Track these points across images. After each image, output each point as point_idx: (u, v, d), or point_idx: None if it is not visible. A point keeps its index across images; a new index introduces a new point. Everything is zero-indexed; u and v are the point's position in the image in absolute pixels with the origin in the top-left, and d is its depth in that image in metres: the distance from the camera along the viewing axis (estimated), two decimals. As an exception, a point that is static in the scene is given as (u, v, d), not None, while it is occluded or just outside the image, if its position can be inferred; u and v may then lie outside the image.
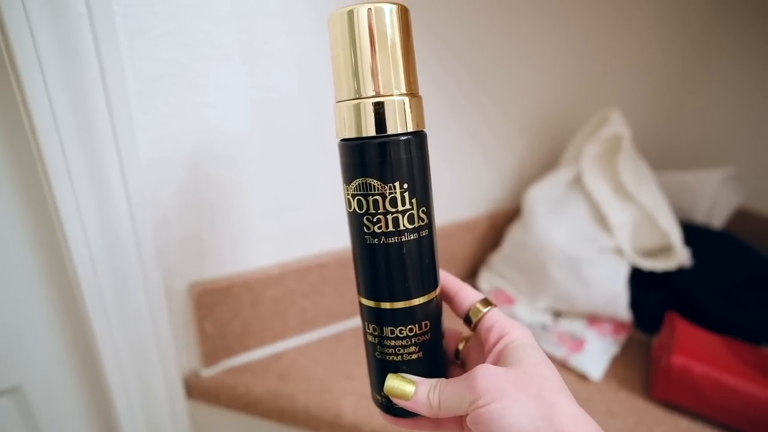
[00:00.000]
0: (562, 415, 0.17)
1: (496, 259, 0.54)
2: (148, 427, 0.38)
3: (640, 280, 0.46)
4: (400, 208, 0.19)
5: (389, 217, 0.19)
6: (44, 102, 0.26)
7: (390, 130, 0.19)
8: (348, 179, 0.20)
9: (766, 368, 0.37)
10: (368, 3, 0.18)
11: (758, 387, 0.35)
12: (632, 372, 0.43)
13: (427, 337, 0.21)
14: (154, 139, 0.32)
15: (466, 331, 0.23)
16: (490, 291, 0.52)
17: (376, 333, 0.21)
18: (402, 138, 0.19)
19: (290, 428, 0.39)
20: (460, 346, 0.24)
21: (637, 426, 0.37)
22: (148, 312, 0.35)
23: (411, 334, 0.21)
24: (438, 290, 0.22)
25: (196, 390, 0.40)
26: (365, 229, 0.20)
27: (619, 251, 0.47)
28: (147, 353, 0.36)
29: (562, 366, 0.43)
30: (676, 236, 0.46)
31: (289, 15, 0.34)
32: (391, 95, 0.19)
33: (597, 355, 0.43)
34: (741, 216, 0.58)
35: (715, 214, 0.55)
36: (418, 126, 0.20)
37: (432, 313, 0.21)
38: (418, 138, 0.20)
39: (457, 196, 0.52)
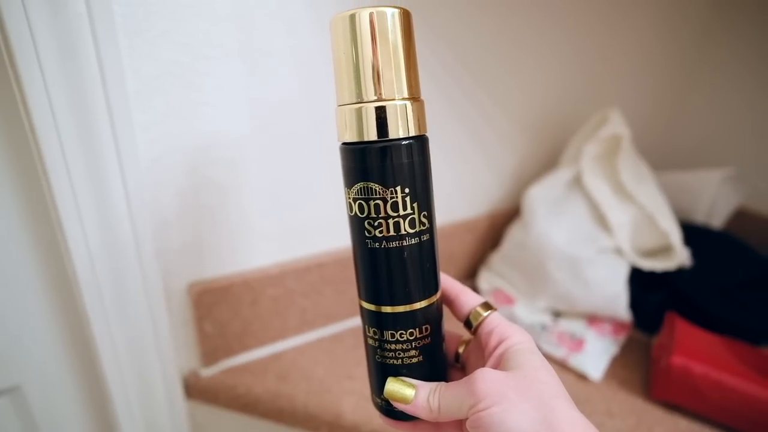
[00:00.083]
0: (562, 419, 0.17)
1: (496, 259, 0.54)
2: (146, 427, 0.38)
3: (639, 280, 0.46)
4: (401, 212, 0.19)
5: (390, 221, 0.19)
6: (44, 101, 0.26)
7: (392, 135, 0.19)
8: (349, 183, 0.20)
9: (765, 368, 0.37)
10: (370, 7, 0.18)
11: (758, 387, 0.35)
12: (632, 372, 0.43)
13: (428, 341, 0.21)
14: (153, 139, 0.32)
15: (466, 334, 0.23)
16: (490, 291, 0.52)
17: (376, 336, 0.21)
18: (404, 142, 0.19)
19: (290, 428, 0.39)
20: (461, 350, 0.24)
21: (636, 426, 0.37)
22: (147, 311, 0.35)
23: (411, 337, 0.21)
24: (439, 294, 0.22)
25: (195, 390, 0.40)
26: (366, 233, 0.20)
27: (618, 251, 0.47)
28: (146, 353, 0.36)
29: (562, 366, 0.43)
30: (675, 236, 0.46)
31: (289, 15, 0.34)
32: (393, 99, 0.19)
33: (597, 355, 0.43)
34: (741, 216, 0.58)
35: (715, 214, 0.55)
36: (419, 130, 0.20)
37: (433, 317, 0.21)
38: (420, 142, 0.20)
39: (456, 196, 0.52)
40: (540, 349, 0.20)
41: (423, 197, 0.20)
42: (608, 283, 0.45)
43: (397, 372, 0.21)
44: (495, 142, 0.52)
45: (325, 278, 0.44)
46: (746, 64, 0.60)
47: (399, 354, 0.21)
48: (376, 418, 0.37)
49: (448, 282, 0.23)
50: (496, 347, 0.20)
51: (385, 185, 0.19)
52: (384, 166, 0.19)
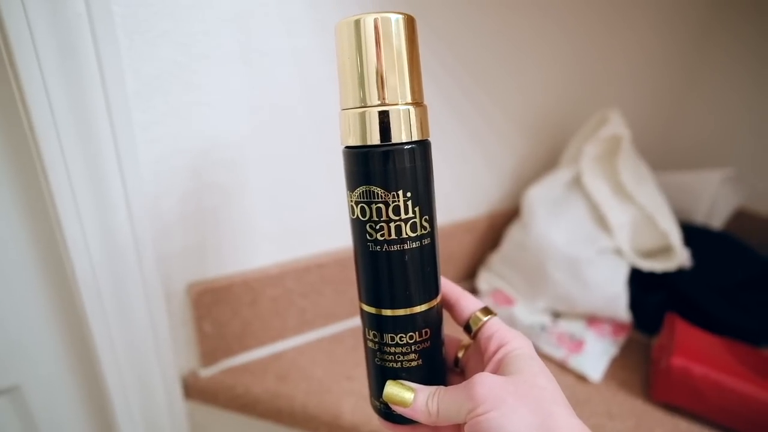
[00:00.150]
0: (561, 425, 0.17)
1: (495, 259, 0.54)
2: (146, 428, 0.38)
3: (639, 281, 0.46)
4: (403, 216, 0.19)
5: (392, 225, 0.19)
6: (43, 101, 0.26)
7: (395, 139, 0.19)
8: (352, 186, 0.20)
9: (765, 370, 0.37)
10: (375, 12, 0.18)
11: (758, 388, 0.35)
12: (632, 373, 0.43)
13: (427, 344, 0.21)
14: (153, 139, 0.32)
15: (465, 338, 0.23)
16: (489, 292, 0.52)
17: (376, 339, 0.21)
18: (406, 147, 0.19)
19: (289, 429, 0.39)
20: (460, 354, 0.24)
21: (636, 428, 0.37)
22: (146, 312, 0.35)
23: (411, 341, 0.21)
24: (439, 298, 0.22)
25: (194, 390, 0.40)
26: (368, 237, 0.20)
27: (618, 252, 0.47)
28: (145, 353, 0.36)
29: (562, 367, 0.43)
30: (675, 237, 0.46)
31: (289, 16, 0.34)
32: (397, 104, 0.19)
33: (596, 356, 0.43)
34: (740, 216, 0.58)
35: (715, 215, 0.55)
36: (422, 135, 0.20)
37: (432, 321, 0.21)
38: (423, 147, 0.20)
39: (456, 197, 0.51)
40: (539, 350, 0.20)
41: (425, 201, 0.20)
42: (608, 284, 0.45)
43: (397, 375, 0.21)
44: (494, 142, 0.52)
45: (324, 278, 0.44)
46: (745, 65, 0.60)
47: (398, 357, 0.21)
48: (375, 419, 0.36)
49: (448, 286, 0.23)
50: (495, 352, 0.20)
51: (387, 189, 0.19)
52: (386, 170, 0.19)
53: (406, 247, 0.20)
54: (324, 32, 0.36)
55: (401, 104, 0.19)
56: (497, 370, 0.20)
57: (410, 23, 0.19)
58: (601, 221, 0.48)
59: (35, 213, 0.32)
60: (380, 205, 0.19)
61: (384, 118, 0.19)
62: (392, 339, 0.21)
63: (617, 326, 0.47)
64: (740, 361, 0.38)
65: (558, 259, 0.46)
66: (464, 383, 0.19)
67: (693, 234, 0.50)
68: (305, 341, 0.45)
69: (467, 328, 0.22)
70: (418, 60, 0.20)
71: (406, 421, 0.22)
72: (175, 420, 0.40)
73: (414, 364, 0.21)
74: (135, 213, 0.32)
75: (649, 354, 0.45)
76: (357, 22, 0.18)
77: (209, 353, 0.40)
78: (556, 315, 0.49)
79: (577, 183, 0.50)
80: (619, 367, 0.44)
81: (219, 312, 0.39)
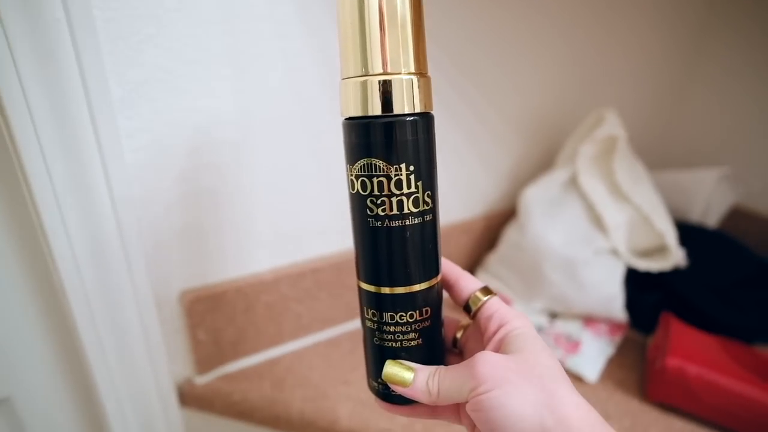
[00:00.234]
0: (566, 403, 0.16)
1: (492, 260, 0.54)
2: (141, 437, 0.38)
3: (635, 281, 0.46)
4: (405, 190, 0.19)
5: (394, 199, 0.19)
6: (23, 110, 0.25)
7: (397, 110, 0.18)
8: (352, 159, 0.19)
9: (759, 369, 0.38)
10: None
11: (752, 388, 0.35)
12: (628, 373, 0.43)
13: (427, 323, 0.21)
14: (139, 146, 0.32)
15: (464, 319, 0.23)
16: (486, 292, 0.52)
17: (375, 318, 0.21)
18: (408, 119, 0.18)
19: (286, 435, 0.39)
20: (458, 335, 0.23)
21: (632, 428, 0.37)
22: (138, 320, 0.34)
23: (411, 320, 0.20)
24: (439, 277, 0.21)
25: (190, 397, 0.40)
26: (368, 212, 0.19)
27: (614, 252, 0.47)
28: (138, 361, 0.36)
29: (558, 368, 0.44)
30: (671, 237, 0.46)
31: (278, 17, 0.33)
32: (399, 74, 0.18)
33: (593, 356, 0.43)
34: (735, 215, 0.58)
35: (710, 214, 0.56)
36: (425, 107, 0.19)
37: (433, 300, 0.21)
38: (426, 120, 0.19)
39: (452, 197, 0.51)
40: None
41: (427, 176, 0.19)
42: (604, 285, 0.45)
43: (396, 355, 0.21)
44: (490, 142, 0.51)
45: (320, 283, 0.43)
46: (744, 64, 0.60)
47: (398, 336, 0.20)
48: (373, 423, 0.37)
49: (447, 266, 0.22)
50: (495, 332, 0.20)
51: (389, 162, 0.18)
52: (388, 143, 0.18)
53: (407, 222, 0.19)
54: (315, 34, 0.35)
55: (404, 74, 0.18)
56: (498, 350, 0.19)
57: None
58: (598, 221, 0.48)
59: (20, 223, 0.31)
60: (382, 178, 0.19)
61: (386, 88, 0.18)
62: (392, 318, 0.20)
63: (614, 326, 0.47)
64: (735, 361, 0.38)
65: (554, 260, 0.46)
66: (466, 362, 0.19)
67: (688, 233, 0.50)
68: (301, 346, 0.45)
69: (466, 308, 0.22)
70: (423, 29, 0.19)
71: (405, 402, 0.21)
72: (171, 428, 0.40)
73: (414, 343, 0.21)
74: (123, 221, 0.31)
75: (645, 353, 0.45)
76: None
77: (204, 360, 0.40)
78: (553, 315, 0.49)
79: (573, 183, 0.50)
80: (615, 366, 0.44)
81: (213, 319, 0.39)
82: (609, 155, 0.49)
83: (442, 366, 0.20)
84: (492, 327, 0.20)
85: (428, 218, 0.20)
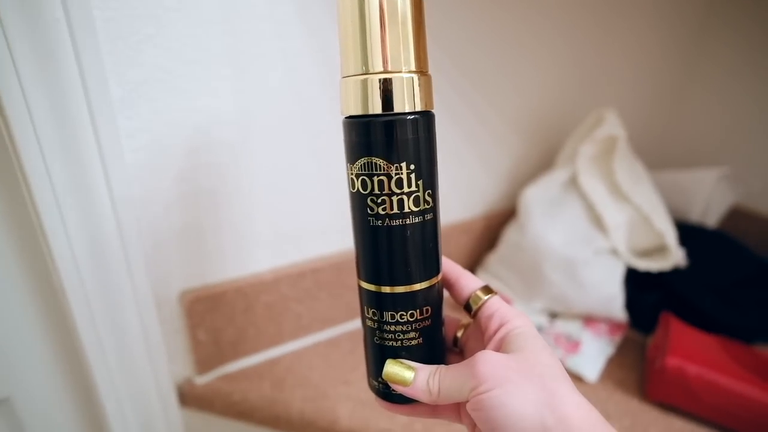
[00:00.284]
0: (566, 402, 0.16)
1: (492, 260, 0.54)
2: (141, 437, 0.38)
3: (635, 280, 0.47)
4: (405, 189, 0.19)
5: (394, 198, 0.19)
6: (22, 110, 0.25)
7: (397, 109, 0.18)
8: (352, 158, 0.19)
9: (759, 368, 0.38)
10: None
11: (752, 387, 0.35)
12: (628, 372, 0.43)
13: (428, 323, 0.21)
14: (139, 146, 0.31)
15: (464, 318, 0.23)
16: (486, 292, 0.52)
17: (375, 317, 0.21)
18: (409, 117, 0.18)
19: (286, 435, 0.39)
20: (459, 334, 0.23)
21: (632, 427, 0.37)
22: (138, 320, 0.34)
23: (412, 319, 0.20)
24: (440, 276, 0.21)
25: (190, 398, 0.40)
26: (369, 210, 0.19)
27: (614, 252, 0.47)
28: (138, 362, 0.36)
29: (558, 368, 0.44)
30: (671, 236, 0.46)
31: (278, 17, 0.33)
32: (400, 72, 0.18)
33: (593, 356, 0.43)
34: (735, 215, 0.58)
35: (710, 214, 0.56)
36: (426, 106, 0.19)
37: (433, 299, 0.21)
38: (426, 118, 0.19)
39: (452, 197, 0.51)
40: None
41: (428, 175, 0.19)
42: (604, 285, 0.45)
43: (396, 354, 0.21)
44: (490, 143, 0.51)
45: (320, 283, 0.43)
46: (743, 63, 0.60)
47: (398, 336, 0.20)
48: (373, 423, 0.37)
49: (447, 264, 0.22)
50: (496, 331, 0.20)
51: (390, 161, 0.18)
52: (389, 141, 0.18)
53: (408, 221, 0.19)
54: (315, 34, 0.35)
55: (405, 72, 0.18)
56: (499, 349, 0.19)
57: None
58: (597, 221, 0.48)
59: (20, 223, 0.31)
60: (382, 177, 0.19)
61: (386, 86, 0.18)
62: (392, 317, 0.20)
63: (614, 326, 0.47)
64: (734, 360, 0.38)
65: (554, 260, 0.46)
66: (466, 361, 0.19)
67: (688, 233, 0.50)
68: (301, 346, 0.45)
69: (467, 307, 0.22)
70: (424, 27, 0.19)
71: (405, 401, 0.21)
72: (171, 428, 0.40)
73: (414, 342, 0.21)
74: (123, 221, 0.31)
75: (645, 353, 0.45)
76: None
77: (204, 360, 0.40)
78: (553, 315, 0.49)
79: (573, 183, 0.50)
80: (615, 366, 0.44)
81: (213, 319, 0.39)
82: (609, 155, 0.49)
83: (442, 365, 0.20)
84: (493, 326, 0.20)
85: (429, 217, 0.20)
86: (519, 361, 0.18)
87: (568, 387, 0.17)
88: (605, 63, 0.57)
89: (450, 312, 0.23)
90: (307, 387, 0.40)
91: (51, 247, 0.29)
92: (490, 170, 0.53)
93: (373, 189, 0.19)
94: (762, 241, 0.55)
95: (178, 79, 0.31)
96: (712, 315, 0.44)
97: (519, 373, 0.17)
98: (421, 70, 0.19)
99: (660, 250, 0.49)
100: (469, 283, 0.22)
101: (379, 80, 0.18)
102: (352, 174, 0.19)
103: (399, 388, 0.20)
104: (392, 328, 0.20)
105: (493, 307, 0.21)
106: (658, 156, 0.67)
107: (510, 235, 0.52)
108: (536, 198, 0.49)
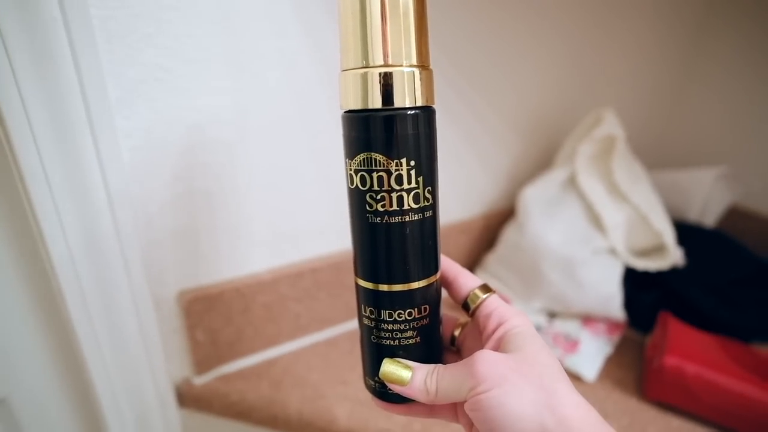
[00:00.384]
0: (565, 403, 0.16)
1: (491, 260, 0.54)
2: (139, 437, 0.38)
3: (633, 280, 0.47)
4: (405, 186, 0.18)
5: (393, 195, 0.18)
6: (19, 110, 0.25)
7: (397, 103, 0.18)
8: (351, 154, 0.19)
9: (757, 367, 0.38)
10: None
11: (750, 387, 0.35)
12: (626, 372, 0.43)
13: (426, 321, 0.20)
14: (137, 146, 0.31)
15: (462, 316, 0.23)
16: (485, 292, 0.52)
17: (373, 316, 0.20)
18: (409, 112, 0.18)
19: (284, 435, 0.39)
20: (456, 333, 0.23)
21: (630, 426, 0.37)
22: (136, 321, 0.34)
23: (409, 318, 0.20)
24: (438, 274, 0.21)
25: (188, 398, 0.40)
26: (367, 207, 0.19)
27: (613, 251, 0.47)
28: (135, 362, 0.35)
29: (557, 367, 0.44)
30: (669, 236, 0.46)
31: (276, 17, 0.33)
32: (401, 66, 0.18)
33: (591, 355, 0.43)
34: (733, 214, 0.59)
35: (708, 213, 0.56)
36: (427, 101, 0.19)
37: (431, 298, 0.21)
38: (427, 113, 0.19)
39: (450, 197, 0.51)
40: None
41: (428, 171, 0.19)
42: (602, 284, 0.45)
43: (393, 353, 0.20)
44: (489, 142, 0.51)
45: (318, 283, 0.43)
46: (740, 65, 0.60)
47: (396, 334, 0.20)
48: (372, 423, 0.36)
49: (446, 263, 0.22)
50: (495, 330, 0.20)
51: (390, 157, 0.18)
52: (389, 137, 0.18)
53: (407, 219, 0.19)
54: (313, 33, 0.35)
55: (406, 66, 0.18)
56: (497, 348, 0.19)
57: None
58: (596, 221, 0.48)
59: (17, 224, 0.31)
60: (382, 173, 0.18)
61: (387, 80, 0.17)
62: (390, 315, 0.20)
63: (612, 325, 0.47)
64: (732, 359, 0.38)
65: (553, 259, 0.46)
66: (464, 361, 0.18)
67: (686, 232, 0.50)
68: (300, 346, 0.45)
69: (465, 305, 0.21)
70: (425, 21, 0.18)
71: (402, 400, 0.21)
72: (169, 428, 0.40)
73: (412, 341, 0.20)
74: (121, 221, 0.31)
75: (643, 352, 0.45)
76: None
77: (202, 361, 0.40)
78: (552, 315, 0.49)
79: (571, 183, 0.50)
80: (613, 365, 0.44)
81: (211, 320, 0.38)
82: (607, 155, 0.49)
83: (440, 365, 0.20)
84: (491, 325, 0.20)
85: (428, 214, 0.19)
86: (518, 361, 0.18)
87: (566, 387, 0.17)
88: (604, 63, 0.57)
89: (448, 311, 0.23)
90: (306, 387, 0.40)
91: (48, 246, 0.29)
92: (488, 170, 0.53)
93: (372, 185, 0.18)
94: (760, 241, 0.55)
95: (176, 79, 0.31)
96: (711, 314, 0.45)
97: (518, 373, 0.17)
98: (423, 65, 0.18)
99: (658, 249, 0.49)
100: (467, 281, 0.22)
101: (380, 74, 0.18)
102: (350, 170, 0.19)
103: (396, 388, 0.20)
104: (389, 326, 0.20)
105: (492, 305, 0.20)
106: (656, 156, 0.67)
107: (509, 235, 0.52)
108: (535, 197, 0.49)
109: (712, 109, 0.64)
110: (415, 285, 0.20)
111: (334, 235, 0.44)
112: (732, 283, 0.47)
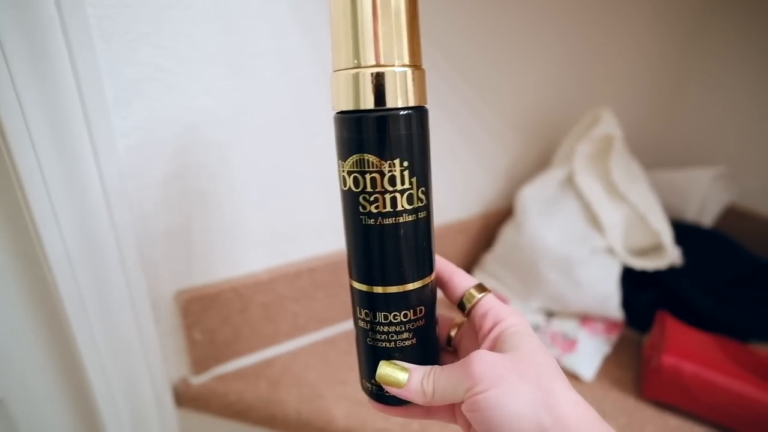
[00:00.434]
0: (563, 402, 0.16)
1: (489, 259, 0.54)
2: (137, 437, 0.38)
3: (631, 279, 0.47)
4: (398, 187, 0.18)
5: (387, 196, 0.18)
6: (15, 109, 0.25)
7: (390, 104, 0.18)
8: (343, 155, 0.19)
9: (755, 366, 0.38)
10: None
11: (747, 386, 0.36)
12: (624, 371, 0.43)
13: (421, 323, 0.20)
14: (134, 146, 0.31)
15: (458, 317, 0.23)
16: (483, 292, 0.52)
17: (368, 318, 0.20)
18: (402, 113, 0.18)
19: (282, 435, 0.39)
20: (452, 333, 0.23)
21: (628, 425, 0.37)
22: (133, 321, 0.34)
23: (405, 319, 0.20)
24: (433, 275, 0.21)
25: (185, 398, 0.40)
26: (361, 209, 0.19)
27: (610, 251, 0.47)
28: (133, 362, 0.35)
29: (555, 367, 0.44)
30: (667, 235, 0.47)
31: (273, 16, 0.33)
32: (393, 66, 0.18)
33: (589, 355, 0.43)
34: (731, 214, 0.59)
35: (706, 213, 0.56)
36: (420, 101, 0.19)
37: (427, 299, 0.21)
38: (420, 114, 0.19)
39: (448, 197, 0.51)
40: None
41: (421, 172, 0.19)
42: (600, 284, 0.45)
43: (389, 355, 0.20)
44: (487, 141, 0.51)
45: (316, 282, 0.43)
46: (739, 64, 0.60)
47: (391, 336, 0.20)
48: (370, 423, 0.36)
49: (440, 263, 0.22)
50: (491, 330, 0.19)
51: (383, 158, 0.18)
52: (381, 138, 0.18)
53: (401, 220, 0.19)
54: (310, 33, 0.35)
55: (398, 66, 0.18)
56: (493, 348, 0.19)
57: None
58: (594, 220, 0.48)
59: (13, 223, 0.31)
60: (375, 174, 0.18)
61: (379, 81, 0.17)
62: (385, 318, 0.20)
63: (610, 324, 0.47)
64: (730, 359, 0.39)
65: (551, 259, 0.46)
66: (461, 361, 0.18)
67: (684, 232, 0.50)
68: (298, 346, 0.45)
69: (461, 305, 0.21)
70: (417, 20, 0.18)
71: (399, 402, 0.21)
72: (167, 428, 0.40)
73: (407, 343, 0.20)
74: (117, 221, 0.31)
75: (641, 351, 0.45)
76: None
77: (200, 361, 0.40)
78: (550, 314, 0.49)
79: (569, 182, 0.50)
80: (611, 364, 0.44)
81: (208, 319, 0.38)
82: (605, 154, 0.49)
83: (436, 366, 0.20)
84: (487, 325, 0.20)
85: (422, 215, 0.19)
86: (514, 361, 0.17)
87: (564, 385, 0.17)
88: (601, 61, 0.57)
89: (443, 311, 0.23)
90: (304, 387, 0.40)
91: (45, 246, 0.29)
92: (486, 169, 0.53)
93: (365, 187, 0.18)
94: (758, 240, 0.55)
95: (173, 78, 0.31)
96: (708, 314, 0.45)
97: (515, 373, 0.17)
98: (415, 64, 0.18)
99: (656, 249, 0.49)
100: (462, 281, 0.22)
101: (371, 74, 0.17)
102: (343, 171, 0.19)
103: (393, 390, 0.20)
104: (385, 329, 0.20)
105: (487, 305, 0.20)
106: (654, 155, 0.67)
107: (507, 235, 0.52)
108: (533, 197, 0.49)
109: (710, 108, 0.64)
110: (410, 286, 0.20)
111: (331, 235, 0.44)
112: (730, 282, 0.47)
